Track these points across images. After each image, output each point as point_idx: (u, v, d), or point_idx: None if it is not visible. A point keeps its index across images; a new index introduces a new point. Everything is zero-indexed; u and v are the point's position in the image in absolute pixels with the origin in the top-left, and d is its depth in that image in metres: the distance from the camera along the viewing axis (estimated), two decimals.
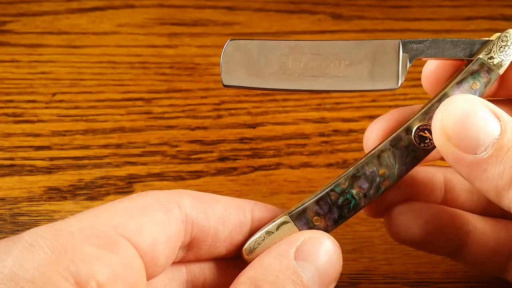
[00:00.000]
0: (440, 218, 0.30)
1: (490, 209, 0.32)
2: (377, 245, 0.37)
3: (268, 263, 0.25)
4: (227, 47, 0.27)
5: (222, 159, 0.43)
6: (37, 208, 0.40)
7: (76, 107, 0.46)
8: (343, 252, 0.37)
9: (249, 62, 0.27)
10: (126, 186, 0.41)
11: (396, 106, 0.47)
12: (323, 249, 0.26)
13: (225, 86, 0.27)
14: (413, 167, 0.28)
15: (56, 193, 0.41)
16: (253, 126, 0.45)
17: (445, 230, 0.30)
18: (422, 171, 0.31)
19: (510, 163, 0.23)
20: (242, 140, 0.44)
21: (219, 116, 0.46)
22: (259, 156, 0.43)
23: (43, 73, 0.49)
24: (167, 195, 0.26)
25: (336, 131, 0.45)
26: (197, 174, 0.42)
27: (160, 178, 0.42)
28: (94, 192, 0.41)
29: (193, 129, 0.45)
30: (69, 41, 0.51)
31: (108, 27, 0.53)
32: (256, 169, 0.42)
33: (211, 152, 0.43)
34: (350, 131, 0.44)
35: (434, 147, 0.27)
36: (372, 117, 0.46)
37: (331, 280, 0.26)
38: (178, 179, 0.42)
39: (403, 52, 0.27)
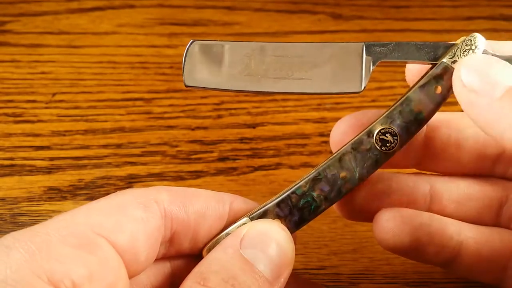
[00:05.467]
0: (430, 226, 0.29)
1: (481, 219, 0.31)
2: (377, 245, 0.37)
3: (214, 257, 0.25)
4: (190, 47, 0.26)
5: (222, 159, 0.43)
6: (37, 208, 0.40)
7: (76, 107, 0.46)
8: (344, 252, 0.37)
9: (212, 63, 0.27)
10: (126, 186, 0.41)
11: None
12: (269, 235, 0.25)
13: (187, 86, 0.27)
14: (374, 171, 0.27)
15: (56, 193, 0.41)
16: (253, 126, 0.45)
17: (436, 238, 0.29)
18: (405, 179, 0.31)
19: None
20: (242, 140, 0.44)
21: (219, 116, 0.46)
22: (259, 156, 0.43)
23: (43, 73, 0.49)
24: (145, 192, 0.26)
25: None
26: (197, 174, 0.42)
27: (160, 178, 0.42)
28: (94, 192, 0.41)
29: (193, 129, 0.45)
30: (69, 41, 0.51)
31: (108, 27, 0.53)
32: (256, 169, 0.42)
33: (211, 152, 0.43)
34: None
35: (396, 151, 0.27)
36: None
37: (284, 265, 0.25)
38: (178, 179, 0.42)
39: (366, 55, 0.27)
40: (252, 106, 0.46)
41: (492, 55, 0.27)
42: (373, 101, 0.47)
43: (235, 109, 0.46)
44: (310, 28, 0.53)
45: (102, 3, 0.55)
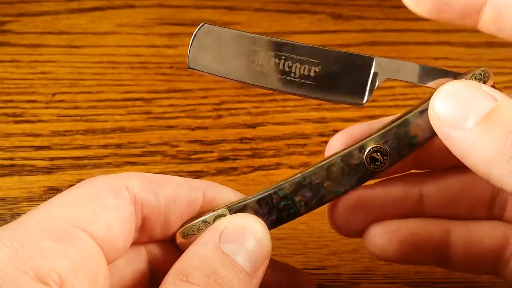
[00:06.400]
0: (417, 235, 0.30)
1: (474, 214, 0.31)
2: None
3: (193, 252, 0.25)
4: (199, 30, 0.26)
5: (222, 159, 0.43)
6: None
7: (76, 107, 0.46)
8: (344, 252, 0.37)
9: (219, 50, 0.26)
10: None
11: (396, 106, 0.47)
12: (248, 230, 0.25)
13: (190, 68, 0.27)
14: (359, 186, 0.27)
15: (56, 193, 0.40)
16: (253, 126, 0.45)
17: (423, 246, 0.30)
18: (395, 189, 0.31)
19: (498, 133, 0.23)
20: (242, 140, 0.44)
21: (219, 116, 0.46)
22: (259, 156, 0.43)
23: (43, 73, 0.49)
24: (115, 179, 0.26)
25: (336, 131, 0.44)
26: (197, 174, 0.42)
27: None
28: None
29: (193, 129, 0.45)
30: (69, 41, 0.51)
31: (108, 27, 0.53)
32: (256, 169, 0.42)
33: (211, 152, 0.43)
34: None
35: (384, 170, 0.27)
36: (372, 117, 0.45)
37: (262, 258, 0.25)
38: None
39: (374, 70, 0.27)
40: (252, 106, 0.46)
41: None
42: (373, 101, 0.46)
43: (235, 109, 0.46)
44: (310, 28, 0.53)
45: (102, 3, 0.55)
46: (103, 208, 0.24)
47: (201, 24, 0.26)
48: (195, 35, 0.26)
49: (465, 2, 0.25)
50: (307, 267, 0.36)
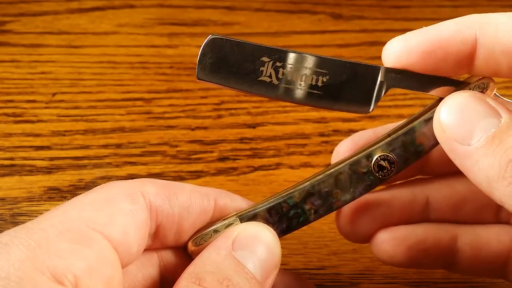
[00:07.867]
0: (424, 242, 0.30)
1: (481, 218, 0.31)
2: None
3: (207, 257, 0.25)
4: (207, 41, 0.26)
5: (222, 159, 0.43)
6: (37, 208, 0.40)
7: (76, 107, 0.46)
8: (344, 252, 0.37)
9: (227, 61, 0.26)
10: None
11: (396, 105, 0.47)
12: (259, 238, 0.26)
13: (198, 79, 0.27)
14: (366, 193, 0.28)
15: (56, 193, 0.41)
16: (253, 126, 0.45)
17: (431, 252, 0.30)
18: (403, 195, 0.31)
19: (501, 158, 0.23)
20: (242, 140, 0.44)
21: (219, 116, 0.46)
22: (259, 156, 0.43)
23: (43, 73, 0.49)
24: (131, 185, 0.26)
25: (336, 131, 0.45)
26: (197, 174, 0.42)
27: (160, 178, 0.41)
28: None
29: (193, 129, 0.45)
30: (69, 41, 0.51)
31: (108, 27, 0.53)
32: (256, 169, 0.42)
33: (211, 152, 0.43)
34: (350, 131, 0.44)
35: (390, 178, 0.27)
36: (371, 117, 0.46)
37: (273, 267, 0.26)
38: (178, 179, 0.42)
39: (381, 79, 0.27)
40: (252, 106, 0.46)
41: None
42: None
43: (235, 109, 0.46)
44: (310, 28, 0.53)
45: (102, 3, 0.55)
46: (119, 213, 0.24)
47: (209, 36, 0.26)
48: (202, 46, 0.26)
49: (457, 53, 0.26)
50: (307, 267, 0.36)
